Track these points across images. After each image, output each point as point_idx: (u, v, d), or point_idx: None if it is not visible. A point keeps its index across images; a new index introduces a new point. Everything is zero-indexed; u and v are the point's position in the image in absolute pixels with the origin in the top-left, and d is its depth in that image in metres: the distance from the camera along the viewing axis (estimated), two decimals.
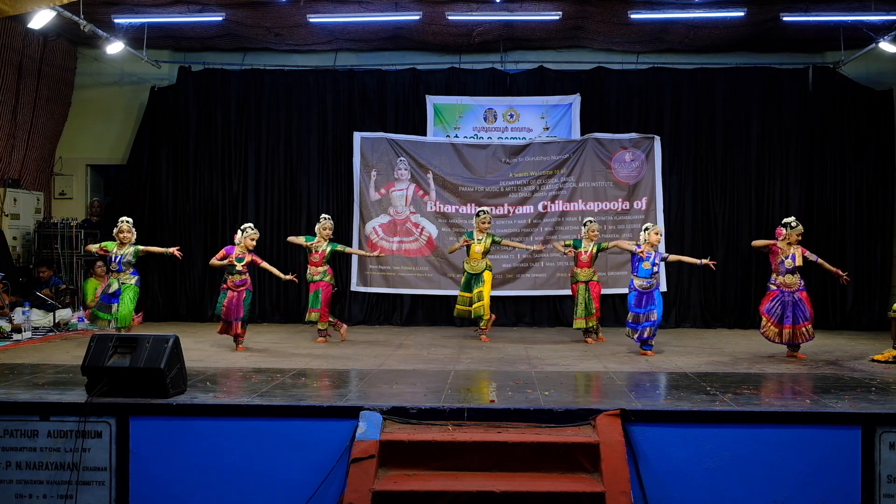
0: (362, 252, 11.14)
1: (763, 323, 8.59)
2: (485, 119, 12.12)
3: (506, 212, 11.88)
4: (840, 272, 8.64)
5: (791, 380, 6.87)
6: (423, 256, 11.82)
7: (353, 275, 11.96)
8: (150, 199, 12.13)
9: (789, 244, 8.51)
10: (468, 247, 9.93)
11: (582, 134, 11.88)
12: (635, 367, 7.91)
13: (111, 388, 5.67)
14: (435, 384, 6.72)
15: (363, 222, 11.95)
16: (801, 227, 8.57)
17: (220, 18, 10.52)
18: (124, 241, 8.81)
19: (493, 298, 11.88)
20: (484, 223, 9.90)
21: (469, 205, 11.85)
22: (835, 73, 11.79)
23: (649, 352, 8.76)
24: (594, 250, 9.64)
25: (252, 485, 5.50)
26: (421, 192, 11.89)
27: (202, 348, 8.99)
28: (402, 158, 11.90)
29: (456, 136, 12.07)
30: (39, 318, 10.33)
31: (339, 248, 9.87)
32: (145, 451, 5.55)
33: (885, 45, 10.33)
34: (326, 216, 9.91)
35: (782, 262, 8.46)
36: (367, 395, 6.16)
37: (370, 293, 12.01)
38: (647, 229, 8.91)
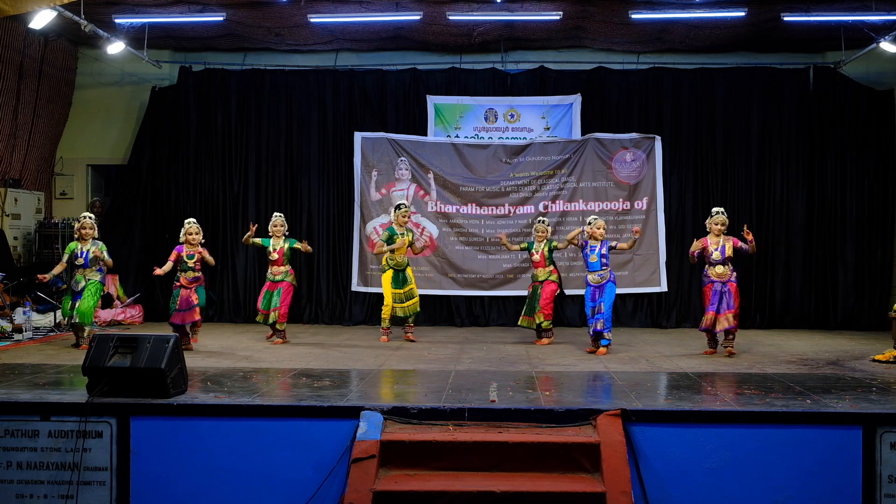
0: (306, 247, 9.90)
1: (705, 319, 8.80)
2: (485, 119, 12.12)
3: (506, 212, 11.88)
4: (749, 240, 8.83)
5: (791, 380, 6.87)
6: (423, 257, 11.81)
7: (354, 275, 11.96)
8: (150, 199, 12.14)
9: (717, 235, 8.75)
10: (392, 242, 9.68)
11: (583, 134, 11.88)
12: (636, 367, 7.92)
13: (112, 388, 5.67)
14: (435, 384, 6.72)
15: (364, 222, 11.95)
16: (722, 216, 8.82)
17: (220, 18, 10.52)
18: (86, 237, 8.95)
19: (494, 298, 12.05)
20: (404, 217, 9.78)
21: (470, 205, 11.86)
22: (835, 73, 11.79)
23: (604, 348, 8.81)
24: (545, 249, 9.65)
25: (253, 485, 5.51)
26: (422, 193, 11.89)
27: (203, 348, 8.99)
28: (402, 158, 11.90)
29: (457, 136, 12.07)
30: (39, 318, 10.34)
31: (296, 244, 9.65)
32: (146, 451, 5.56)
33: (886, 45, 10.33)
34: (277, 214, 9.84)
35: (711, 252, 8.71)
36: (367, 395, 6.16)
37: (371, 293, 12.00)
38: (589, 223, 9.05)
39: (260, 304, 9.60)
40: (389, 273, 9.77)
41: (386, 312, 9.86)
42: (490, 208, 11.90)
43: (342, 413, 5.59)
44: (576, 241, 9.27)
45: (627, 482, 5.16)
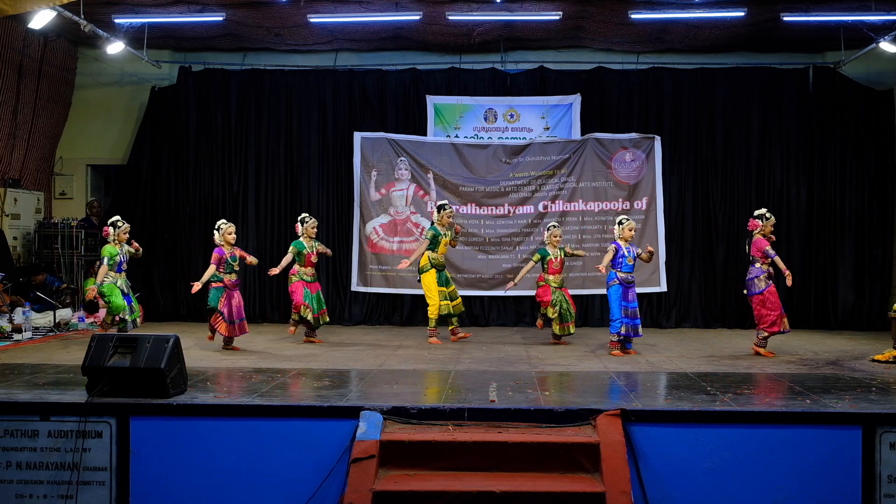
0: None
1: (778, 321, 8.71)
2: (485, 119, 12.12)
3: (506, 212, 11.88)
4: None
5: (791, 380, 6.87)
6: None
7: (354, 275, 11.96)
8: (150, 200, 12.14)
9: (765, 235, 8.78)
10: (437, 242, 9.70)
11: (582, 134, 11.88)
12: (635, 367, 7.91)
13: (111, 388, 5.68)
14: (435, 384, 6.72)
15: (363, 222, 11.95)
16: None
17: (220, 18, 10.52)
18: (123, 241, 8.91)
19: (494, 298, 12.06)
20: (449, 217, 9.82)
21: (469, 205, 11.85)
22: (835, 73, 11.79)
23: (633, 350, 8.85)
24: (562, 255, 9.66)
25: (252, 485, 5.51)
26: (421, 192, 11.89)
27: (203, 348, 8.99)
28: (402, 158, 11.90)
29: (456, 136, 12.06)
30: (38, 318, 10.33)
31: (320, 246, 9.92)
32: (146, 451, 5.56)
33: (886, 45, 10.34)
34: (310, 215, 9.90)
35: (775, 252, 8.69)
36: (367, 395, 6.16)
37: (370, 293, 12.00)
38: (621, 223, 8.95)
39: (304, 300, 9.45)
40: (433, 272, 9.69)
41: (434, 312, 9.72)
42: (490, 208, 11.90)
43: (342, 413, 5.59)
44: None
45: (627, 482, 5.17)
